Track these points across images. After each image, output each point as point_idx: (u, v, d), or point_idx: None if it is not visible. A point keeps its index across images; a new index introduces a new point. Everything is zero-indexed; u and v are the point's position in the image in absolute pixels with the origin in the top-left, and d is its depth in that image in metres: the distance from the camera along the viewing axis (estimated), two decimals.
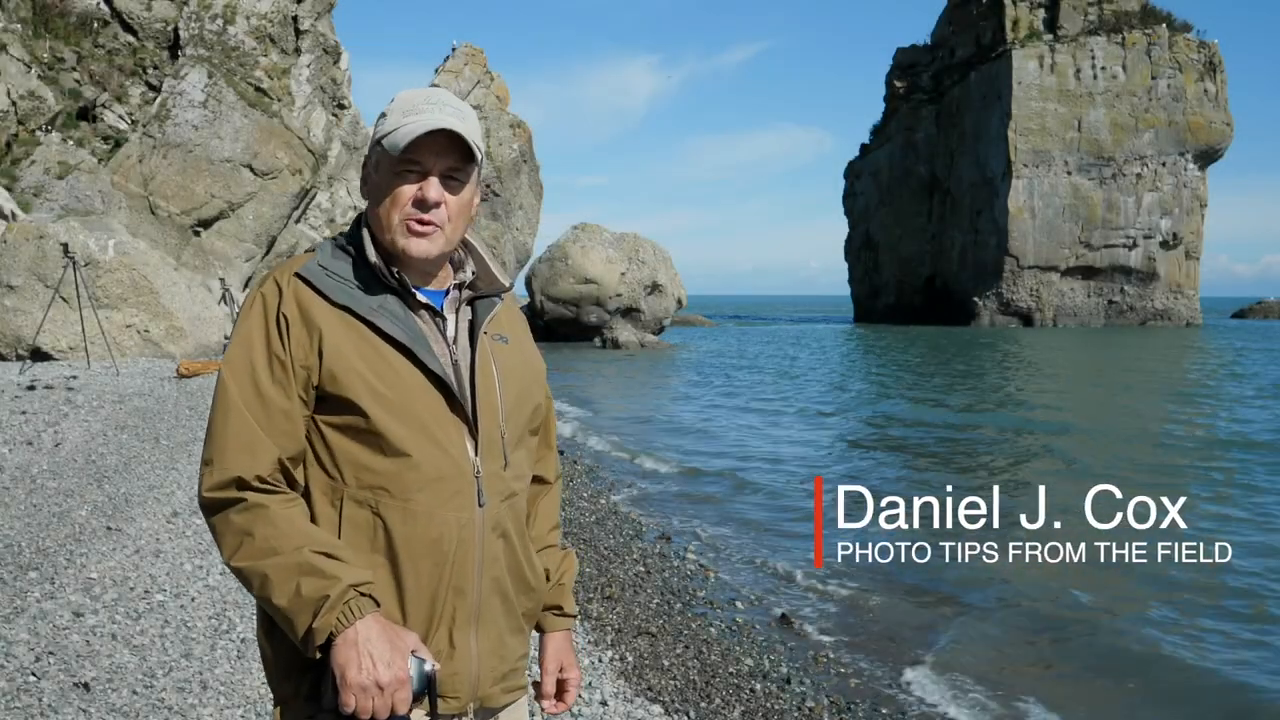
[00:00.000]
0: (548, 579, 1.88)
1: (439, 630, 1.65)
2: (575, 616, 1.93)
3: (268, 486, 1.59)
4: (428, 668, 1.55)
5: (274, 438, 1.60)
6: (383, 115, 1.71)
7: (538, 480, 1.91)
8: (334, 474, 1.63)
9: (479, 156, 1.71)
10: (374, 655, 1.50)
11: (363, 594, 1.53)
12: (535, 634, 1.90)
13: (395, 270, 1.69)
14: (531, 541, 1.86)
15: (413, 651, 1.54)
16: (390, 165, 1.68)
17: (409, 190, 1.67)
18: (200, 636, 4.68)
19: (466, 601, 1.66)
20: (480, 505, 1.66)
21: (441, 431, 1.64)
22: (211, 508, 1.59)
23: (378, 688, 1.49)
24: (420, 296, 1.70)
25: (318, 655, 1.52)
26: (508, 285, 1.82)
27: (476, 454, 1.67)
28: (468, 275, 1.78)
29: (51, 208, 20.56)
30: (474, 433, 1.67)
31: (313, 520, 1.63)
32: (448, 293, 1.75)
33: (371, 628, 1.52)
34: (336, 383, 1.61)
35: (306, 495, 1.64)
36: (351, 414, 1.61)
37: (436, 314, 1.72)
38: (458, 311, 1.75)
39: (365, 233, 1.72)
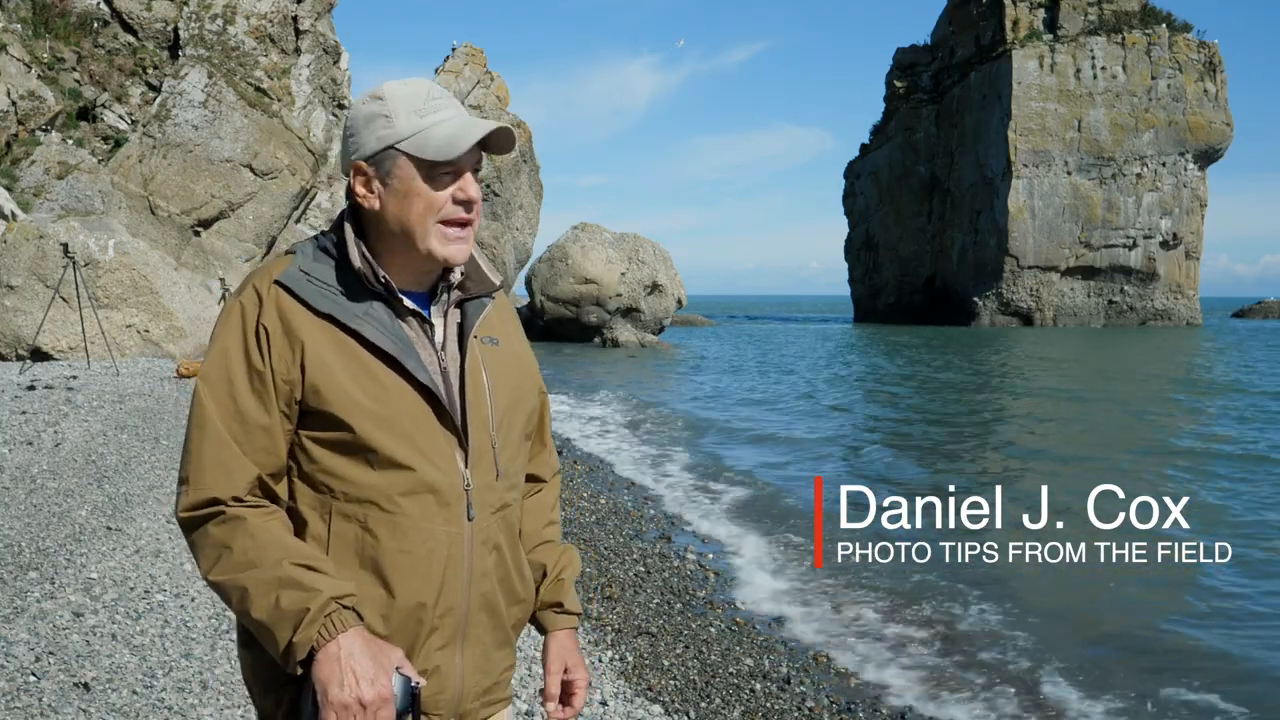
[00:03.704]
0: (545, 575, 1.80)
1: (424, 647, 1.58)
2: (579, 614, 1.84)
3: (246, 504, 1.53)
4: (413, 684, 1.49)
5: (252, 456, 1.53)
6: (384, 117, 1.58)
7: (533, 478, 1.84)
8: (322, 488, 1.56)
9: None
10: (357, 671, 1.43)
11: (345, 607, 1.47)
12: (539, 635, 1.79)
13: (381, 275, 1.59)
14: (526, 541, 1.79)
15: (397, 668, 1.48)
16: (424, 170, 1.58)
17: (446, 193, 1.59)
18: (200, 636, 4.68)
19: (453, 618, 1.60)
20: (470, 519, 1.60)
21: (430, 444, 1.57)
22: (189, 526, 1.54)
23: (360, 705, 1.42)
24: (407, 303, 1.61)
25: (299, 671, 1.46)
26: (498, 284, 1.72)
27: (466, 466, 1.60)
28: (457, 276, 1.68)
29: (51, 208, 20.55)
30: (464, 444, 1.61)
31: (302, 535, 1.56)
32: (433, 295, 1.66)
33: (354, 642, 1.45)
34: (320, 397, 1.53)
35: (294, 511, 1.58)
36: (337, 429, 1.54)
37: (424, 320, 1.63)
38: (446, 315, 1.66)
39: (349, 235, 1.61)
